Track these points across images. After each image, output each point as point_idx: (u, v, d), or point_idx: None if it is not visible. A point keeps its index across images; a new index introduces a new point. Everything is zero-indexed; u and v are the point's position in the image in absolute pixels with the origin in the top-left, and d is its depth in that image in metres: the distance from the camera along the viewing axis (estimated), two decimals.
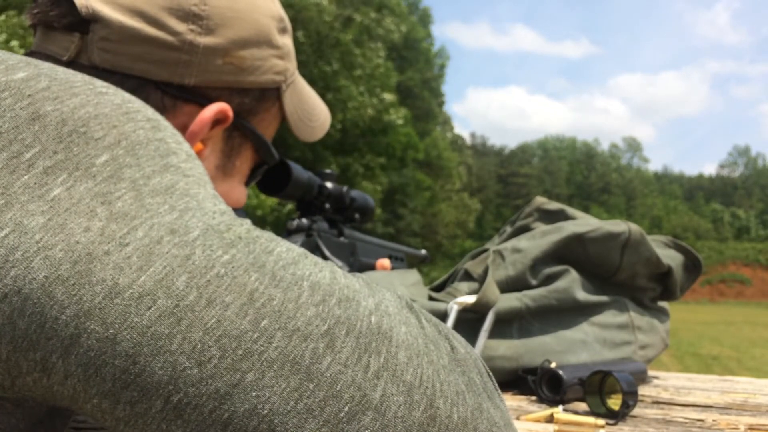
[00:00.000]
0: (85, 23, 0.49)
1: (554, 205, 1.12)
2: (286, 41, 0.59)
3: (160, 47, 0.50)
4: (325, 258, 0.94)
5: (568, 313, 0.98)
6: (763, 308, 33.76)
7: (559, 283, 0.97)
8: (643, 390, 0.93)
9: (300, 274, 0.34)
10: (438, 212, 23.79)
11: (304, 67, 13.73)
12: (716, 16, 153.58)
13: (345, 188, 1.04)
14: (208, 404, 0.30)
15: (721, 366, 8.76)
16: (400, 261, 1.24)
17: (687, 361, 9.25)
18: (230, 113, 0.54)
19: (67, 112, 0.35)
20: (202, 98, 0.53)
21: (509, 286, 0.98)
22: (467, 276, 1.02)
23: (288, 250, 0.35)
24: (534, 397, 0.87)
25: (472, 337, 0.88)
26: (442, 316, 0.90)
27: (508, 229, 1.14)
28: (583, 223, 1.03)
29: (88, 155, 0.34)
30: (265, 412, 0.30)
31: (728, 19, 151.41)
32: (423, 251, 1.38)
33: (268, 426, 0.30)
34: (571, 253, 1.01)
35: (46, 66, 0.38)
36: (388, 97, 16.51)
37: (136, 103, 0.38)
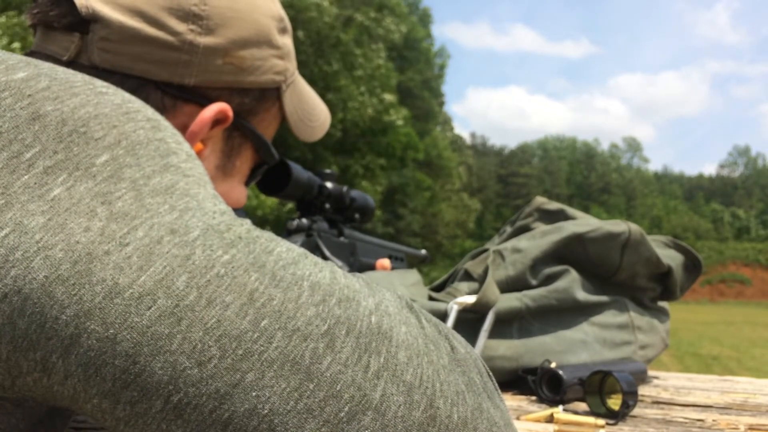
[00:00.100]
0: (85, 23, 0.49)
1: (554, 205, 1.12)
2: (286, 41, 0.59)
3: (160, 47, 0.50)
4: (325, 258, 0.94)
5: (568, 313, 0.98)
6: (763, 308, 33.76)
7: (559, 283, 0.97)
8: (643, 390, 0.93)
9: (300, 274, 0.34)
10: (438, 212, 23.80)
11: (304, 67, 13.74)
12: (716, 16, 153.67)
13: (345, 188, 1.04)
14: (208, 404, 0.30)
15: (721, 366, 8.76)
16: (400, 261, 1.24)
17: (687, 361, 9.25)
18: (230, 113, 0.54)
19: (67, 112, 0.35)
20: (202, 98, 0.53)
21: (509, 286, 0.98)
22: (467, 276, 1.02)
23: (288, 250, 0.35)
24: (534, 397, 0.87)
25: (472, 337, 0.88)
26: (442, 316, 0.90)
27: (508, 229, 1.14)
28: (583, 223, 1.03)
29: (89, 155, 0.34)
30: (265, 412, 0.30)
31: (728, 19, 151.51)
32: (423, 251, 1.38)
33: (268, 426, 0.30)
34: (571, 253, 1.01)
35: (46, 66, 0.38)
36: (389, 97, 16.52)
37: (136, 103, 0.38)
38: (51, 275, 0.30)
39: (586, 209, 22.56)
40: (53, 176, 0.32)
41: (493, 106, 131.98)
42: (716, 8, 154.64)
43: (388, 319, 0.35)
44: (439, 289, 1.07)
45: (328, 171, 1.04)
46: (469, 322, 0.91)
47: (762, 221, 60.20)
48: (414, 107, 21.33)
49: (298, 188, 0.94)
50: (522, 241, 1.02)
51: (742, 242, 53.58)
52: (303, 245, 0.95)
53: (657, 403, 0.86)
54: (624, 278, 1.04)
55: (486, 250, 1.05)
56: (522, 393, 0.89)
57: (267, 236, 0.35)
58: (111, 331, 0.30)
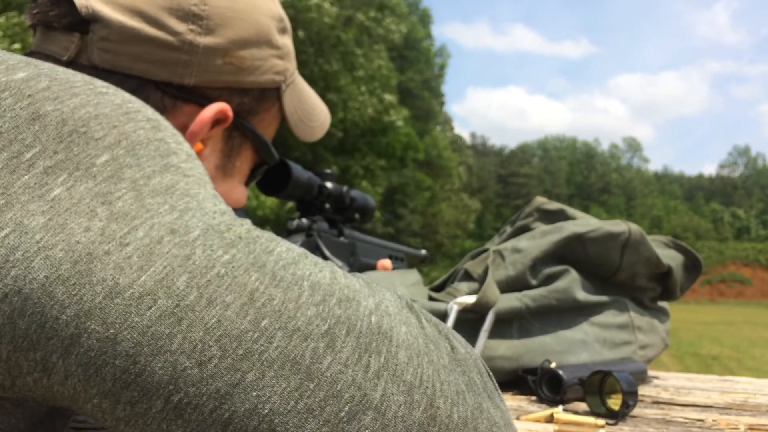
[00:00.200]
0: (85, 23, 0.49)
1: (554, 205, 1.12)
2: (286, 41, 0.59)
3: (160, 47, 0.50)
4: (325, 258, 0.94)
5: (568, 313, 0.98)
6: (763, 308, 33.76)
7: (559, 283, 0.97)
8: (643, 390, 0.93)
9: (300, 274, 0.34)
10: (438, 212, 23.81)
11: (304, 67, 13.75)
12: (716, 16, 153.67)
13: (345, 188, 1.04)
14: (208, 404, 0.30)
15: (721, 366, 8.76)
16: (400, 261, 1.24)
17: (687, 361, 9.25)
18: (230, 113, 0.54)
19: (67, 112, 0.35)
20: (202, 98, 0.53)
21: (509, 286, 0.98)
22: (467, 276, 1.02)
23: (288, 250, 0.35)
24: (534, 397, 0.87)
25: (472, 337, 0.88)
26: (442, 316, 0.90)
27: (508, 229, 1.14)
28: (583, 223, 1.03)
29: (89, 155, 0.34)
30: (266, 411, 0.30)
31: (728, 19, 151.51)
32: (423, 251, 1.38)
33: (269, 426, 0.30)
34: (571, 253, 1.01)
35: (47, 66, 0.38)
36: (389, 97, 16.52)
37: (136, 103, 0.38)
38: (51, 275, 0.30)
39: (586, 209, 22.57)
40: (53, 176, 0.32)
41: (493, 106, 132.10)
42: (716, 8, 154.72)
43: (388, 319, 0.35)
44: (439, 289, 1.07)
45: (328, 171, 1.04)
46: (469, 322, 0.91)
47: (762, 221, 60.20)
48: (414, 107, 21.34)
49: (299, 188, 0.94)
50: (522, 241, 1.02)
51: (742, 242, 53.58)
52: (303, 245, 0.95)
53: (657, 403, 0.86)
54: (624, 278, 1.04)
55: (486, 250, 1.05)
56: (522, 393, 0.89)
57: (267, 236, 0.35)
58: (111, 331, 0.30)
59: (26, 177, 0.32)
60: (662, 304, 1.14)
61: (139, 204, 0.33)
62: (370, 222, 1.14)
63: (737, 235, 58.06)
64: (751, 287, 45.32)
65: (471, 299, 0.91)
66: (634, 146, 68.02)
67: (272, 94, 0.59)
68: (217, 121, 0.54)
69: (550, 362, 0.88)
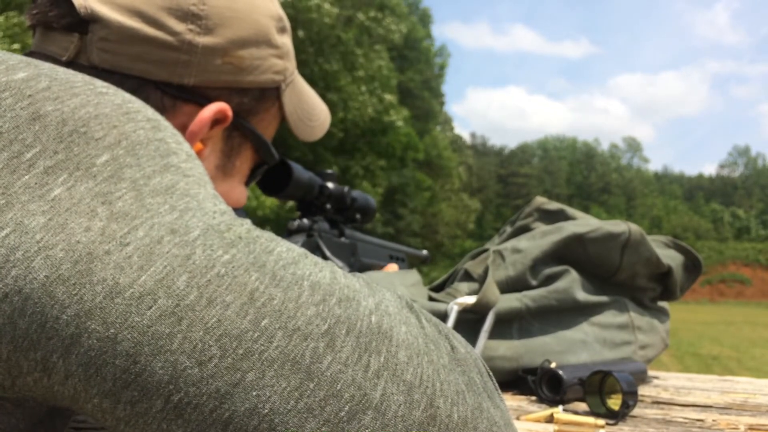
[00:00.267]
0: (84, 23, 0.49)
1: (554, 205, 1.12)
2: (285, 41, 0.59)
3: (159, 47, 0.50)
4: (325, 258, 0.94)
5: (568, 314, 0.98)
6: (763, 308, 33.77)
7: (559, 284, 0.97)
8: (643, 390, 0.93)
9: (300, 273, 0.34)
10: (438, 212, 23.81)
11: (304, 66, 13.75)
12: (716, 16, 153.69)
13: (346, 189, 1.04)
14: (208, 404, 0.30)
15: (721, 366, 8.77)
16: (402, 261, 1.24)
17: (687, 361, 9.26)
18: (229, 113, 0.54)
19: (67, 112, 0.35)
20: (202, 98, 0.53)
21: (509, 286, 0.98)
22: (467, 276, 1.02)
23: (288, 249, 0.35)
24: (534, 397, 0.87)
25: (472, 338, 0.88)
26: (442, 316, 0.90)
27: (508, 229, 1.14)
28: (583, 223, 1.03)
29: (89, 155, 0.34)
30: (266, 411, 0.30)
31: (727, 19, 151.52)
32: (425, 252, 1.38)
33: (269, 425, 0.30)
34: (571, 253, 1.01)
35: (47, 66, 0.38)
36: (389, 97, 16.53)
37: (136, 104, 0.38)
38: (52, 275, 0.30)
39: (586, 209, 22.57)
40: (54, 176, 0.32)
41: (493, 106, 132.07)
42: (716, 8, 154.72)
43: (388, 318, 0.35)
44: (438, 289, 1.07)
45: (329, 171, 1.04)
46: (469, 323, 0.91)
47: (762, 221, 60.20)
48: (414, 107, 21.35)
49: (299, 188, 0.94)
50: (522, 242, 1.02)
51: (742, 242, 53.59)
52: (304, 245, 0.95)
53: (657, 403, 0.86)
54: (624, 278, 1.04)
55: (486, 250, 1.05)
56: (522, 393, 0.89)
57: (267, 236, 0.35)
58: (112, 331, 0.30)
59: (26, 177, 0.32)
60: (662, 304, 1.14)
61: (140, 204, 0.33)
62: (371, 222, 1.14)
63: (737, 235, 58.06)
64: (751, 287, 45.33)
65: (471, 300, 0.91)
66: (634, 146, 68.03)
67: (272, 93, 0.59)
68: (217, 120, 0.54)
69: (550, 362, 0.88)
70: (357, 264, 1.08)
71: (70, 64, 0.50)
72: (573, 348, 0.95)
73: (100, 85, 0.38)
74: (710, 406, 0.84)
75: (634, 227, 1.01)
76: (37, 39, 0.52)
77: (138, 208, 0.33)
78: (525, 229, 1.10)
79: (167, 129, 0.38)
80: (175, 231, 0.32)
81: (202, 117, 0.52)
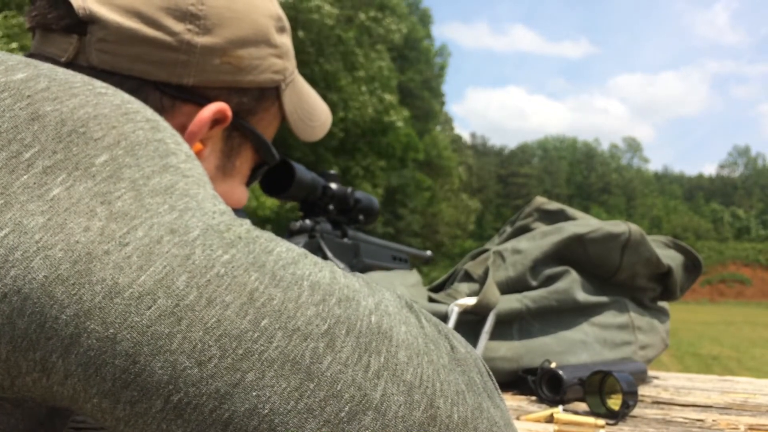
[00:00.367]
0: (83, 25, 0.49)
1: (554, 206, 1.12)
2: (285, 40, 0.59)
3: (158, 48, 0.50)
4: (327, 260, 0.94)
5: (568, 314, 0.98)
6: (763, 308, 33.77)
7: (560, 284, 0.97)
8: (643, 390, 0.93)
9: (300, 273, 0.34)
10: (438, 212, 23.82)
11: (305, 66, 13.76)
12: (715, 16, 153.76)
13: (349, 189, 1.04)
14: (208, 404, 0.30)
15: (721, 366, 8.77)
16: (404, 262, 1.24)
17: (687, 361, 9.26)
18: (229, 113, 0.54)
19: (66, 113, 0.35)
20: (201, 98, 0.53)
21: (509, 287, 0.98)
22: (467, 277, 1.02)
23: (288, 250, 0.35)
24: (534, 397, 0.87)
25: (472, 339, 0.88)
26: (443, 317, 0.90)
27: (508, 229, 1.14)
28: (583, 223, 1.03)
29: (88, 155, 0.34)
30: (266, 411, 0.30)
31: (727, 19, 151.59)
32: (428, 252, 1.38)
33: (269, 426, 0.30)
34: (571, 253, 1.01)
35: (46, 67, 0.38)
36: (389, 97, 16.53)
37: (135, 104, 0.38)
38: (51, 275, 0.30)
39: (586, 209, 22.58)
40: (52, 176, 0.32)
41: (493, 106, 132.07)
42: (715, 8, 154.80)
43: (388, 318, 0.35)
44: (438, 289, 1.07)
45: (332, 172, 1.04)
46: (469, 324, 0.91)
47: (762, 221, 60.20)
48: (414, 107, 21.35)
49: (302, 189, 0.94)
50: (522, 242, 1.02)
51: (742, 242, 53.60)
52: (306, 246, 0.94)
53: (657, 403, 0.86)
54: (624, 278, 1.04)
55: (486, 251, 1.05)
56: (522, 393, 0.89)
57: (267, 236, 0.35)
58: (111, 331, 0.30)
59: (25, 177, 0.32)
60: (662, 304, 1.14)
61: (139, 204, 0.33)
62: (373, 223, 1.14)
63: (737, 235, 58.06)
64: (751, 287, 45.33)
65: (471, 301, 0.91)
66: (634, 146, 68.04)
67: (271, 93, 0.59)
68: (216, 121, 0.54)
69: (550, 362, 0.88)
70: (359, 265, 1.08)
71: (70, 65, 0.50)
72: (573, 348, 0.95)
73: (99, 85, 0.38)
74: (710, 406, 0.84)
75: (634, 227, 1.01)
76: (36, 41, 0.52)
77: (137, 208, 0.32)
78: (525, 229, 1.10)
79: (166, 129, 0.38)
80: (175, 231, 0.32)
81: (201, 117, 0.52)
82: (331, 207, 1.02)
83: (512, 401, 0.85)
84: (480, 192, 49.71)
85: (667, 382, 1.01)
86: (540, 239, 1.02)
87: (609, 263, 1.02)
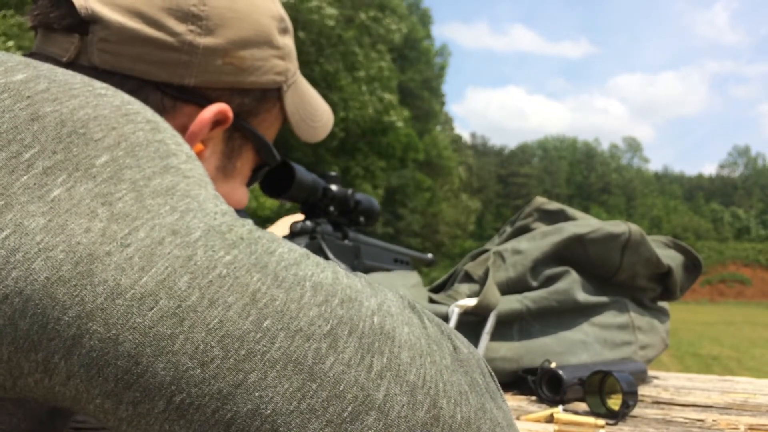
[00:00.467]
0: (85, 24, 0.49)
1: (554, 206, 1.12)
2: (287, 41, 0.59)
3: (159, 48, 0.50)
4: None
5: (568, 314, 0.98)
6: (763, 308, 33.77)
7: (560, 285, 0.97)
8: (643, 390, 0.93)
9: (302, 274, 0.34)
10: (438, 212, 23.81)
11: (305, 66, 13.75)
12: (715, 17, 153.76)
13: (350, 191, 1.04)
14: (210, 405, 0.30)
15: (721, 366, 8.77)
16: (406, 264, 1.24)
17: (687, 361, 9.26)
18: (230, 114, 0.54)
19: (66, 114, 0.35)
20: (202, 99, 0.53)
21: (510, 287, 0.98)
22: (467, 277, 1.02)
23: (290, 250, 0.35)
24: (534, 397, 0.87)
25: (473, 340, 0.88)
26: (443, 318, 0.90)
27: (508, 230, 1.14)
28: (583, 223, 1.03)
29: (88, 156, 0.33)
30: (268, 412, 0.30)
31: (727, 20, 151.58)
32: (429, 255, 1.37)
33: (271, 426, 0.30)
34: (571, 254, 1.01)
35: (46, 68, 0.38)
36: (389, 97, 16.54)
37: (135, 105, 0.38)
38: (52, 276, 0.30)
39: (586, 209, 22.57)
40: (53, 177, 0.32)
41: (493, 106, 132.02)
42: (715, 8, 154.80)
43: (390, 319, 0.35)
44: (438, 290, 1.07)
45: (332, 173, 1.03)
46: (470, 325, 0.91)
47: (762, 221, 60.19)
48: (414, 107, 21.35)
49: (302, 190, 0.93)
50: (522, 243, 1.03)
51: (742, 242, 53.59)
52: (306, 248, 0.94)
53: (657, 403, 0.86)
54: (624, 279, 1.04)
55: (486, 251, 1.05)
56: (522, 393, 0.89)
57: (269, 237, 0.35)
58: (113, 332, 0.30)
59: (25, 177, 0.32)
60: (662, 304, 1.14)
61: (140, 205, 0.33)
62: (373, 225, 1.14)
63: (737, 235, 58.05)
64: (751, 287, 45.33)
65: (472, 302, 0.91)
66: (634, 146, 68.03)
67: (273, 94, 0.59)
68: (218, 121, 0.54)
69: (550, 362, 0.88)
70: (360, 267, 1.08)
71: (71, 65, 0.50)
72: (573, 349, 0.95)
73: (98, 86, 0.38)
74: (710, 406, 0.84)
75: (634, 227, 1.01)
76: (38, 40, 0.52)
77: (138, 209, 0.32)
78: (525, 230, 1.10)
79: (167, 130, 0.38)
80: (177, 232, 0.32)
81: (202, 118, 0.52)
82: (331, 208, 1.02)
83: (512, 401, 0.85)
84: (480, 192, 49.71)
85: (667, 382, 1.01)
86: (540, 239, 1.02)
87: (609, 263, 1.02)
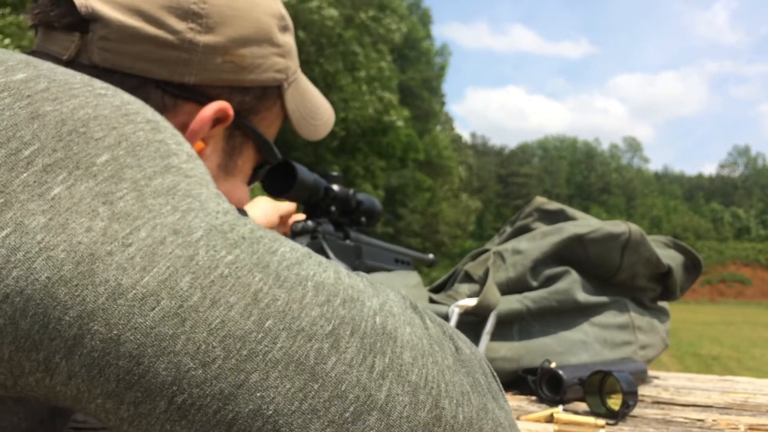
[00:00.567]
0: (85, 23, 0.49)
1: (554, 206, 1.12)
2: (288, 39, 0.59)
3: (159, 46, 0.50)
4: None
5: (568, 314, 0.98)
6: (763, 308, 33.78)
7: (560, 285, 0.97)
8: (643, 390, 0.93)
9: (304, 274, 0.34)
10: (438, 212, 23.82)
11: (305, 67, 13.76)
12: (714, 17, 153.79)
13: (351, 191, 1.04)
14: (212, 405, 0.30)
15: (721, 366, 8.77)
16: (407, 265, 1.24)
17: (687, 361, 9.26)
18: (230, 112, 0.54)
19: (66, 113, 0.34)
20: (203, 97, 0.53)
21: (510, 287, 0.98)
22: (467, 277, 1.02)
23: (292, 250, 0.35)
24: (534, 397, 0.87)
25: (473, 339, 0.88)
26: (443, 318, 0.90)
27: (508, 229, 1.14)
28: (583, 223, 1.03)
29: (89, 154, 0.33)
30: (270, 412, 0.30)
31: (726, 19, 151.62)
32: (430, 256, 1.37)
33: (273, 426, 0.30)
34: (571, 254, 1.01)
35: (46, 67, 0.38)
36: (389, 96, 16.54)
37: (135, 105, 0.38)
38: (53, 276, 0.30)
39: (586, 209, 22.58)
40: (53, 174, 0.32)
41: (493, 106, 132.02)
42: (715, 8, 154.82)
43: (392, 319, 0.35)
44: (438, 290, 1.07)
45: (334, 173, 1.03)
46: (470, 325, 0.91)
47: (762, 221, 60.20)
48: (414, 107, 21.35)
49: (304, 190, 0.93)
50: (522, 243, 1.03)
51: (742, 242, 53.59)
52: (308, 247, 0.94)
53: (657, 403, 0.86)
54: (624, 279, 1.04)
55: (486, 251, 1.05)
56: (522, 393, 0.89)
57: (271, 236, 0.35)
58: (115, 332, 0.30)
59: (25, 175, 0.32)
60: (662, 304, 1.14)
61: (141, 204, 0.33)
62: (375, 225, 1.14)
63: (737, 235, 58.06)
64: (751, 287, 45.33)
65: (472, 302, 0.91)
66: (634, 146, 68.05)
67: (274, 92, 0.59)
68: (218, 119, 0.54)
69: (550, 362, 0.88)
70: (361, 267, 1.08)
71: (71, 63, 0.50)
72: (573, 349, 0.95)
73: (98, 86, 0.38)
74: (710, 406, 0.84)
75: (634, 227, 1.01)
76: (39, 39, 0.52)
77: (140, 208, 0.32)
78: (525, 229, 1.10)
79: (167, 130, 0.38)
80: (178, 232, 0.32)
81: (202, 116, 0.52)
82: (333, 208, 1.02)
83: (512, 401, 0.85)
84: (480, 192, 49.72)
85: (667, 382, 1.01)
86: (540, 239, 1.02)
87: (609, 263, 1.02)
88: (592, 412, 0.78)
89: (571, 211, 1.11)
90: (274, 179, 0.90)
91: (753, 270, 47.07)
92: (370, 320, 0.34)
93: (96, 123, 0.35)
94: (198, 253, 0.32)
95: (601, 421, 0.70)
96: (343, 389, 0.31)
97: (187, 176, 0.35)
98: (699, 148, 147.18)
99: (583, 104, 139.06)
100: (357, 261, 1.06)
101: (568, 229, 1.01)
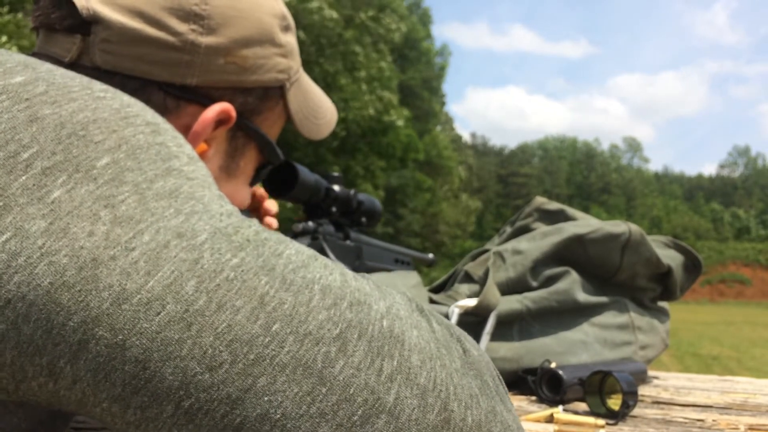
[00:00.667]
0: (86, 25, 0.49)
1: (554, 206, 1.12)
2: (289, 39, 0.59)
3: (161, 48, 0.50)
4: None
5: (568, 315, 0.98)
6: (763, 308, 33.75)
7: (560, 285, 0.97)
8: (643, 390, 0.93)
9: (310, 277, 0.34)
10: (438, 212, 23.80)
11: (305, 67, 13.75)
12: (714, 17, 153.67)
13: (352, 192, 1.04)
14: (219, 409, 0.30)
15: (721, 366, 8.76)
16: (407, 265, 1.24)
17: (687, 361, 9.25)
18: (233, 113, 0.54)
19: (65, 116, 0.34)
20: (205, 98, 0.53)
21: (510, 288, 0.98)
22: (467, 278, 1.02)
23: (297, 252, 0.35)
24: (534, 397, 0.87)
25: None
26: None
27: (508, 230, 1.14)
28: (583, 224, 1.03)
29: (89, 157, 0.33)
30: (278, 416, 0.30)
31: (726, 19, 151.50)
32: (430, 255, 1.37)
33: (281, 430, 0.30)
34: (571, 254, 1.01)
35: (44, 69, 0.37)
36: (388, 95, 16.53)
37: (135, 107, 0.38)
38: (56, 281, 0.30)
39: (586, 209, 22.56)
40: (52, 177, 0.32)
41: (493, 106, 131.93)
42: (714, 8, 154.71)
43: (399, 322, 0.35)
44: (438, 290, 1.07)
45: (335, 174, 1.03)
46: (470, 325, 0.91)
47: (762, 221, 60.16)
48: (414, 107, 21.33)
49: (305, 190, 0.93)
50: (522, 243, 1.03)
51: (742, 242, 53.55)
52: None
53: (657, 403, 0.86)
54: (624, 279, 1.05)
55: (486, 251, 1.05)
56: (522, 393, 0.89)
57: (276, 238, 0.35)
58: (120, 337, 0.30)
59: (24, 178, 0.32)
60: (662, 304, 1.14)
61: (144, 208, 0.32)
62: (375, 226, 1.14)
63: (737, 235, 58.00)
64: (751, 287, 45.30)
65: (472, 302, 0.91)
66: (634, 146, 68.00)
67: (276, 92, 0.59)
68: (221, 121, 0.54)
69: (550, 362, 0.88)
70: (362, 267, 1.08)
71: (73, 65, 0.49)
72: (573, 349, 0.95)
73: (97, 88, 0.37)
74: (710, 406, 0.84)
75: (634, 227, 1.02)
76: (40, 40, 0.52)
77: (142, 212, 0.32)
78: (525, 230, 1.11)
79: (167, 132, 0.38)
80: (182, 235, 0.32)
81: (205, 117, 0.52)
82: (333, 209, 1.02)
83: (512, 401, 0.85)
84: (480, 192, 49.68)
85: (667, 382, 1.01)
86: (540, 240, 1.02)
87: (609, 263, 1.02)
88: (592, 412, 0.78)
89: (571, 211, 1.11)
90: (276, 180, 0.90)
91: (753, 270, 47.03)
92: (377, 324, 0.33)
93: (95, 126, 0.34)
94: (203, 257, 0.32)
95: (601, 421, 0.70)
96: (351, 393, 0.31)
97: (189, 179, 0.35)
98: (699, 148, 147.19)
99: (583, 104, 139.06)
100: (357, 261, 1.06)
101: (568, 229, 1.01)
